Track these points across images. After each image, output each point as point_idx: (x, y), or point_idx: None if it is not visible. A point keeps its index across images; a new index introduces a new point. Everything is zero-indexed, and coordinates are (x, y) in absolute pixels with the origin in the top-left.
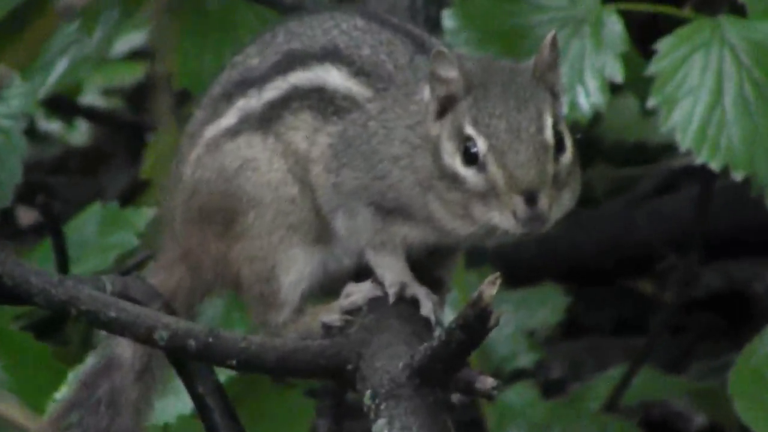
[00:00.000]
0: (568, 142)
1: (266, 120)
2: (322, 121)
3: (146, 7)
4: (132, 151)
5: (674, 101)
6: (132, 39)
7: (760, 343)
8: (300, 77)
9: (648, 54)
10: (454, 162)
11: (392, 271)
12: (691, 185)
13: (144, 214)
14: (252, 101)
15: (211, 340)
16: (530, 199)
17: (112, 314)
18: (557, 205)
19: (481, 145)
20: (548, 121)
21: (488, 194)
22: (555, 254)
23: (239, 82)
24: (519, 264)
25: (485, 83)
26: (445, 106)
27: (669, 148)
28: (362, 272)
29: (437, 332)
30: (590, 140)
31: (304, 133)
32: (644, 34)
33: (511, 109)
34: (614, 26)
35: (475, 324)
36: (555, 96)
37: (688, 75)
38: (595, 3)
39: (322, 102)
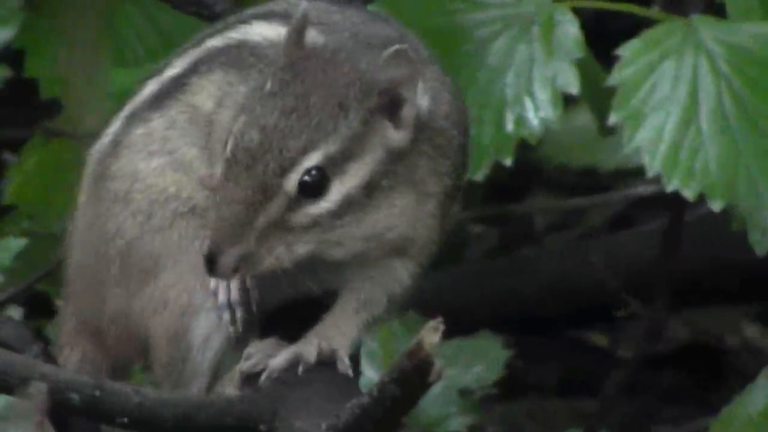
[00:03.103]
0: (340, 189)
1: (162, 98)
2: (237, 76)
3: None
4: None
5: (640, 117)
6: None
7: (741, 406)
8: (216, 40)
9: (605, 60)
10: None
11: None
12: (650, 218)
13: (9, 246)
14: (146, 90)
15: (97, 393)
16: (210, 253)
17: None
18: (272, 258)
19: (226, 152)
20: (305, 162)
21: None
22: (492, 300)
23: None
24: (450, 311)
25: (296, 75)
26: None
27: (623, 174)
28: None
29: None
30: (528, 165)
31: (213, 91)
32: (592, 36)
33: (275, 130)
34: (568, 28)
35: (414, 377)
36: (389, 121)
37: (657, 86)
38: (546, 0)
39: (241, 57)
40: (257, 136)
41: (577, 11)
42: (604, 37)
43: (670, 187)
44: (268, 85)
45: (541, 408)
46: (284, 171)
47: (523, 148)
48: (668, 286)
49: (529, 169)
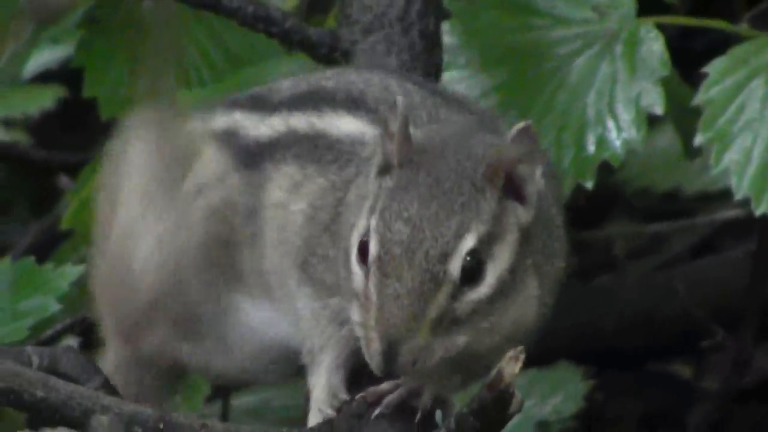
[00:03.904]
0: (494, 272)
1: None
2: (314, 169)
3: (66, 18)
4: (39, 196)
5: (728, 138)
6: (42, 57)
7: None
8: (298, 120)
9: (690, 79)
10: (352, 247)
11: None
12: (736, 244)
13: (67, 273)
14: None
15: (162, 426)
16: (388, 349)
17: (40, 394)
18: (442, 350)
19: (372, 250)
20: (463, 245)
21: (365, 307)
22: (570, 330)
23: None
24: None
25: (419, 167)
26: (386, 169)
27: (708, 198)
28: None
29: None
30: (608, 188)
31: (283, 183)
32: (677, 54)
33: (423, 219)
34: (653, 45)
35: (493, 409)
36: (514, 200)
37: (745, 105)
38: (629, 16)
39: (317, 151)
40: (406, 229)
41: (662, 28)
42: (689, 54)
43: (758, 211)
44: (392, 182)
45: None
46: (446, 257)
47: (603, 170)
48: (756, 314)
49: (609, 193)
